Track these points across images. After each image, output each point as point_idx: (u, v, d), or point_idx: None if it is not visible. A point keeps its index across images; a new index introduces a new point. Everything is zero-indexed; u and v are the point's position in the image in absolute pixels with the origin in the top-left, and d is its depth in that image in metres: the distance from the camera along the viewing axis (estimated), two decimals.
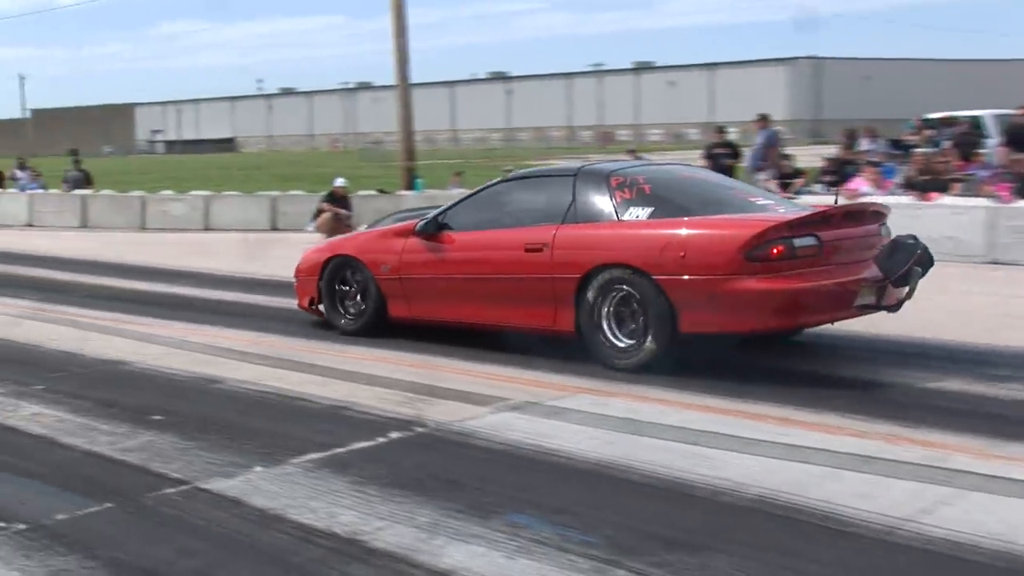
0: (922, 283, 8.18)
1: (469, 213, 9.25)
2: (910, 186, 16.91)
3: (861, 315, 8.17)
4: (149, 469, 5.77)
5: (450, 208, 9.48)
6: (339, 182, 19.57)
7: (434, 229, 9.30)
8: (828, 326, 8.57)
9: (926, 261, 8.05)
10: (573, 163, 9.54)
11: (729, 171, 20.16)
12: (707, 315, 7.66)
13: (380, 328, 9.74)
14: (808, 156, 44.00)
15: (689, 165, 10.61)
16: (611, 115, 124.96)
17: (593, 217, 8.37)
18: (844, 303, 7.82)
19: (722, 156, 20.06)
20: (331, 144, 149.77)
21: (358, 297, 9.94)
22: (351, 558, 4.53)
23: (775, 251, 7.49)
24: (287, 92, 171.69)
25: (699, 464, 5.62)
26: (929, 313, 9.72)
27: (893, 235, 8.35)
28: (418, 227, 9.40)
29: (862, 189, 16.47)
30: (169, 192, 26.10)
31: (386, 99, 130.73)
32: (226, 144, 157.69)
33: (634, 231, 8.10)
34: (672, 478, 5.42)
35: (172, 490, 5.41)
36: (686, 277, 7.67)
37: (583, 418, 6.61)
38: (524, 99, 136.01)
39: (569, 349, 8.82)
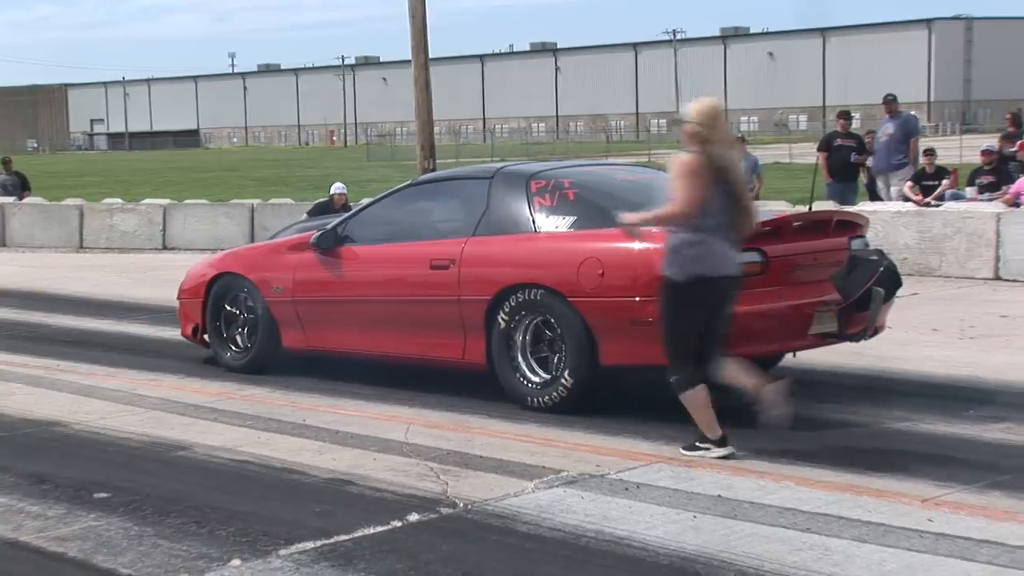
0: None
1: (373, 223, 9.97)
2: None
3: (822, 345, 8.76)
4: (92, 564, 5.81)
5: (352, 217, 10.20)
6: (337, 188, 19.66)
7: (332, 242, 9.99)
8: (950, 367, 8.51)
9: (891, 281, 8.59)
10: (494, 164, 10.23)
11: (855, 170, 20.06)
12: (630, 344, 8.26)
13: (273, 363, 10.38)
14: (953, 150, 43.79)
15: (639, 166, 11.15)
16: (691, 97, 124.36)
17: (508, 228, 9.07)
18: (795, 330, 8.40)
19: (845, 150, 19.97)
20: (327, 137, 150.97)
21: (246, 325, 10.57)
22: None
23: None
24: (268, 70, 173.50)
25: (816, 558, 5.58)
26: None
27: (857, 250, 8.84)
28: (313, 239, 10.04)
29: None
30: (115, 200, 26.39)
31: (397, 78, 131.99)
32: (189, 137, 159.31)
33: (550, 244, 8.78)
34: None
35: None
36: (605, 299, 8.32)
37: (661, 496, 6.60)
38: (577, 78, 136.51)
39: (639, 406, 8.84)
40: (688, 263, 7.18)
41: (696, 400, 7.37)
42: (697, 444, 7.41)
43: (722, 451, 7.33)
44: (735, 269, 7.40)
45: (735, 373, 7.35)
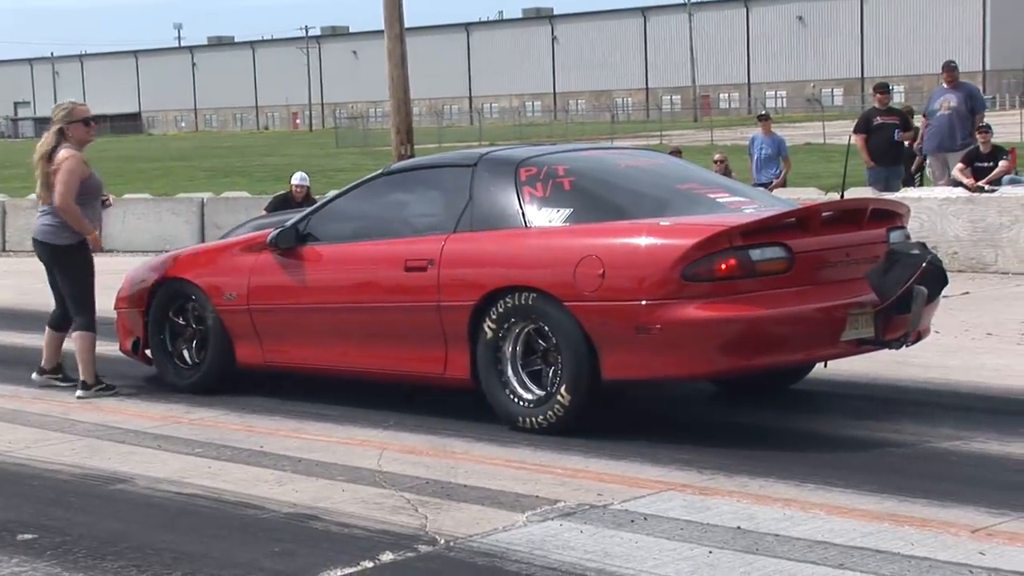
0: None
1: (340, 219, 10.05)
2: None
3: (857, 353, 8.80)
4: None
5: (315, 212, 10.24)
6: (298, 179, 19.73)
7: (293, 242, 10.02)
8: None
9: (935, 278, 8.58)
10: (479, 149, 10.33)
11: (899, 150, 20.04)
12: (635, 355, 8.31)
13: (228, 381, 10.43)
14: (1011, 126, 43.81)
15: (639, 150, 11.31)
16: (709, 70, 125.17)
17: (494, 222, 9.11)
18: (825, 336, 8.44)
19: (887, 129, 19.94)
20: (290, 120, 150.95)
21: (195, 338, 10.64)
22: None
23: (723, 266, 8.12)
24: (220, 43, 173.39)
25: None
26: None
27: (895, 244, 8.84)
28: (271, 238, 10.07)
29: None
30: None
31: (370, 52, 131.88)
32: (129, 121, 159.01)
33: (543, 241, 8.82)
34: None
35: None
36: (607, 303, 8.33)
37: (672, 528, 6.63)
38: (577, 49, 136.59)
39: (646, 426, 8.88)
40: None
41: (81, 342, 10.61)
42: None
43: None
44: (35, 234, 10.92)
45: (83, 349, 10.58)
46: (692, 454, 8.03)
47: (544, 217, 8.93)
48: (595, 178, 9.25)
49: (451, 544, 6.51)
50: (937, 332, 9.75)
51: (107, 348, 12.33)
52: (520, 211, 9.02)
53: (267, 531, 6.87)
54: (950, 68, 19.94)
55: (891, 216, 9.14)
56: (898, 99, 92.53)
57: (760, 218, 8.47)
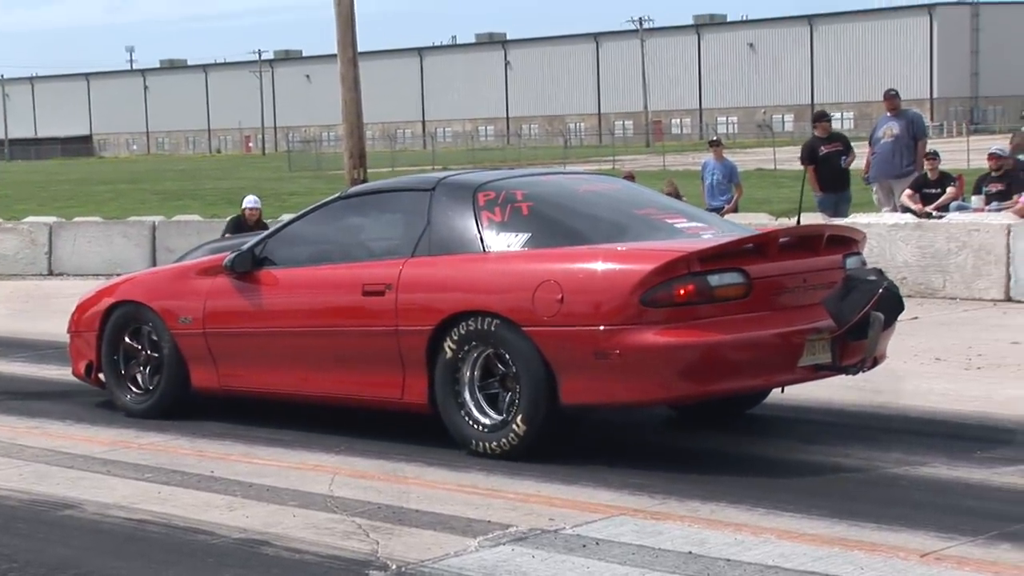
0: None
1: (296, 243, 10.05)
2: None
3: (814, 378, 8.86)
4: None
5: (272, 236, 10.21)
6: (250, 202, 19.69)
7: (249, 265, 9.99)
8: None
9: (892, 305, 8.65)
10: (436, 174, 10.39)
11: (844, 176, 20.16)
12: (593, 381, 8.33)
13: (183, 407, 10.36)
14: (958, 153, 44.21)
15: (597, 175, 11.29)
16: (661, 95, 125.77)
17: (452, 247, 9.12)
18: (783, 362, 8.49)
19: (834, 157, 20.03)
20: (242, 144, 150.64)
21: (149, 363, 10.58)
22: None
23: (682, 292, 8.15)
24: (172, 66, 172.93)
25: None
26: None
27: (851, 270, 8.89)
28: (227, 262, 10.03)
29: None
30: None
31: (323, 76, 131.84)
32: (80, 144, 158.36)
33: (501, 266, 8.83)
34: None
35: None
36: (565, 328, 8.34)
37: (623, 553, 6.62)
38: (530, 74, 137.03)
39: (599, 450, 8.87)
40: None
41: None
42: None
43: None
44: None
45: None
46: (644, 479, 8.03)
47: (502, 241, 8.93)
48: (553, 203, 9.25)
49: (403, 569, 6.49)
50: (887, 357, 9.78)
51: (60, 373, 12.27)
52: (478, 235, 9.02)
53: (217, 556, 6.83)
54: (891, 96, 20.18)
55: (847, 242, 9.17)
56: (847, 125, 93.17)
57: (718, 244, 8.50)
